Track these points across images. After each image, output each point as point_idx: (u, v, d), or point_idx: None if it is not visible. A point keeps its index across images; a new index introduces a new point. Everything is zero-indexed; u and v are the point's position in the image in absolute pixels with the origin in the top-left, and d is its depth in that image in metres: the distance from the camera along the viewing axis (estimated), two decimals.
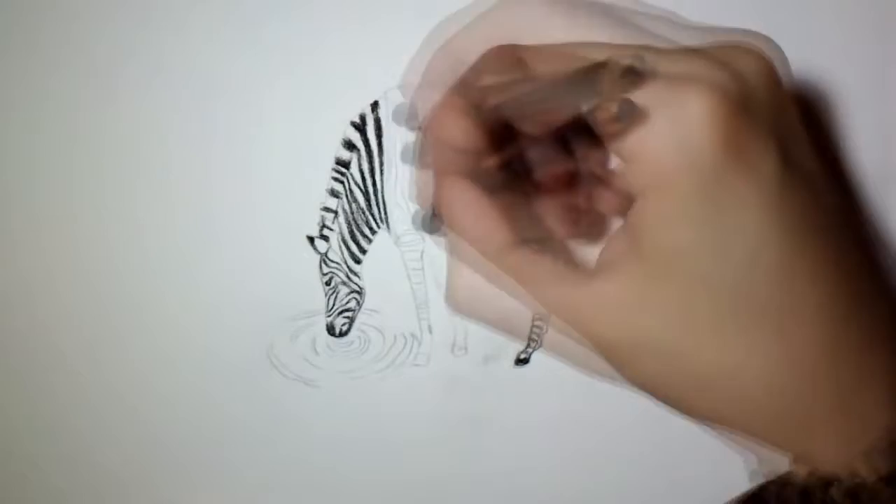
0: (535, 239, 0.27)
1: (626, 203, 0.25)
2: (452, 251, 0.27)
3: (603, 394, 0.37)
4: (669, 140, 0.22)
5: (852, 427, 0.25)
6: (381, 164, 0.37)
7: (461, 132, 0.25)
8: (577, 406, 0.37)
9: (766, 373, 0.24)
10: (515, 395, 0.37)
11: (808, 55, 0.35)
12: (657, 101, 0.22)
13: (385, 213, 0.37)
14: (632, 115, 0.22)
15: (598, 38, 0.24)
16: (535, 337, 0.37)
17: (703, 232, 0.23)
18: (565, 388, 0.37)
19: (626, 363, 0.25)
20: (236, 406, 0.37)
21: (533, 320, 0.37)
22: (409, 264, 0.37)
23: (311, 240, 0.37)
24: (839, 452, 0.25)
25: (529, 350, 0.37)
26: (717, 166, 0.22)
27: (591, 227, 0.28)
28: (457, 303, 0.28)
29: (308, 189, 0.37)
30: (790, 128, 0.25)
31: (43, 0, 0.36)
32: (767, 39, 0.26)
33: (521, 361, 0.37)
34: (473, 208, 0.26)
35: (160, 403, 0.37)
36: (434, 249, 0.38)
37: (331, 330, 0.37)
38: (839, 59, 0.35)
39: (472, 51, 0.27)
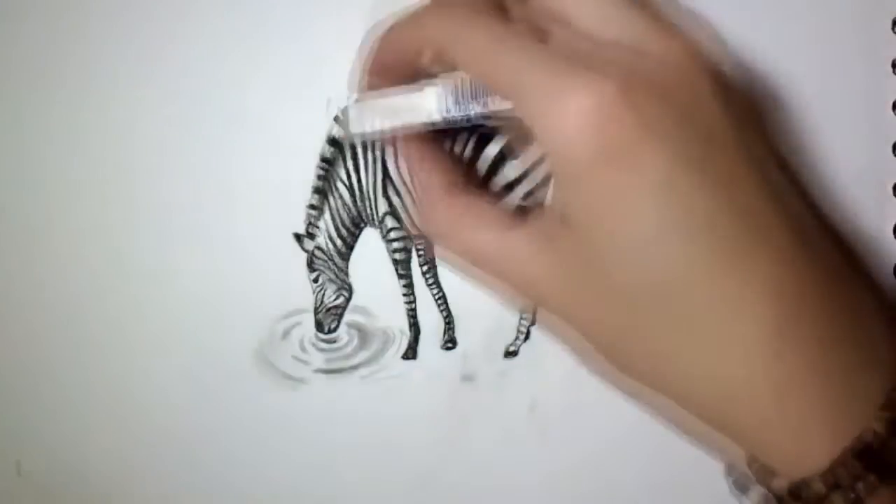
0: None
1: None
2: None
3: (596, 387, 0.37)
4: (552, 142, 0.24)
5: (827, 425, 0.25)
6: (366, 160, 0.37)
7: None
8: (568, 399, 0.37)
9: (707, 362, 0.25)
10: (505, 388, 0.37)
11: (787, 51, 0.35)
12: (549, 93, 0.24)
13: (371, 210, 0.38)
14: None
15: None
16: (522, 329, 0.37)
17: (604, 220, 0.24)
18: (555, 381, 0.37)
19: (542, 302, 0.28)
20: (224, 404, 0.37)
21: (520, 312, 0.37)
22: (396, 260, 0.37)
23: (297, 237, 0.37)
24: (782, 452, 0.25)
25: (518, 343, 0.37)
26: (595, 170, 0.23)
27: None
28: (432, 229, 0.31)
29: (295, 187, 0.37)
30: (705, 123, 0.25)
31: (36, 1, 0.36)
32: (707, 25, 0.27)
33: (510, 354, 0.37)
34: (425, 151, 0.30)
35: (147, 402, 0.37)
36: (421, 246, 0.38)
37: (319, 327, 0.37)
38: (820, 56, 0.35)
39: (394, 54, 0.30)
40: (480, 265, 0.28)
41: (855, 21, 0.35)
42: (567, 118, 0.23)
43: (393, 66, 0.30)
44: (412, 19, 0.29)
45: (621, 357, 0.27)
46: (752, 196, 0.24)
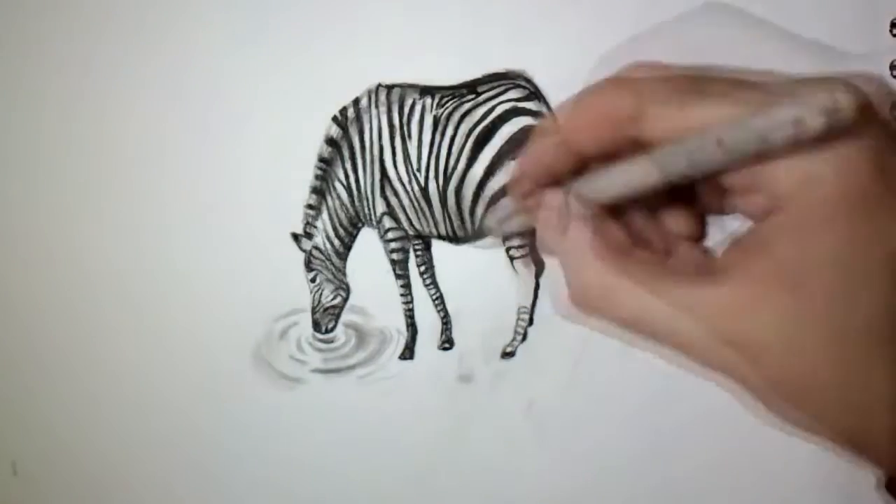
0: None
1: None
2: (567, 253, 0.27)
3: (590, 386, 0.37)
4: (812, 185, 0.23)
5: None
6: (364, 160, 0.37)
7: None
8: (564, 400, 0.37)
9: (871, 393, 0.24)
10: (502, 389, 0.37)
11: None
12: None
13: (369, 210, 0.38)
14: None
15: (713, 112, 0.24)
16: (520, 330, 0.37)
17: (846, 268, 0.23)
18: (552, 381, 0.37)
19: (745, 358, 0.25)
20: (222, 403, 0.37)
21: (518, 312, 0.37)
22: (393, 260, 0.37)
23: (295, 237, 0.37)
24: None
25: (515, 343, 0.37)
26: (869, 196, 0.23)
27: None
28: (586, 300, 0.27)
29: (293, 187, 0.37)
30: None
31: (35, 1, 0.36)
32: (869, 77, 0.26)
33: (508, 355, 0.37)
34: (581, 214, 0.26)
35: (143, 402, 0.37)
36: (419, 246, 0.38)
37: (316, 327, 0.37)
38: None
39: (583, 132, 0.27)
40: (650, 327, 0.26)
41: (854, 24, 0.35)
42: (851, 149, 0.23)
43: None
44: (599, 99, 0.26)
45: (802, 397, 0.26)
46: None
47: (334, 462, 0.37)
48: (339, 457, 0.37)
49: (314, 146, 0.37)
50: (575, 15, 0.36)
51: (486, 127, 0.37)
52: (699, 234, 0.29)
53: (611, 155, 0.26)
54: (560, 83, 0.36)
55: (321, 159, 0.37)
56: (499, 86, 0.36)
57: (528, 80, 0.36)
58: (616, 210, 0.27)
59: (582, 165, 0.27)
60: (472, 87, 0.36)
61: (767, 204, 0.24)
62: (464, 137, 0.37)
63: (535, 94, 0.36)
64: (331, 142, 0.37)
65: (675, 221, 0.28)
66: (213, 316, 0.37)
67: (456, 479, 0.37)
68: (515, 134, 0.36)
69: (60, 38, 0.36)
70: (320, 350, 0.38)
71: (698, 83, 0.25)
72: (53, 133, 0.37)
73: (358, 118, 0.37)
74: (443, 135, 0.37)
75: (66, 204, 0.37)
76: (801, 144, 0.22)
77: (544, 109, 0.36)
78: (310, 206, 0.37)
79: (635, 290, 0.25)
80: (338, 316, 0.38)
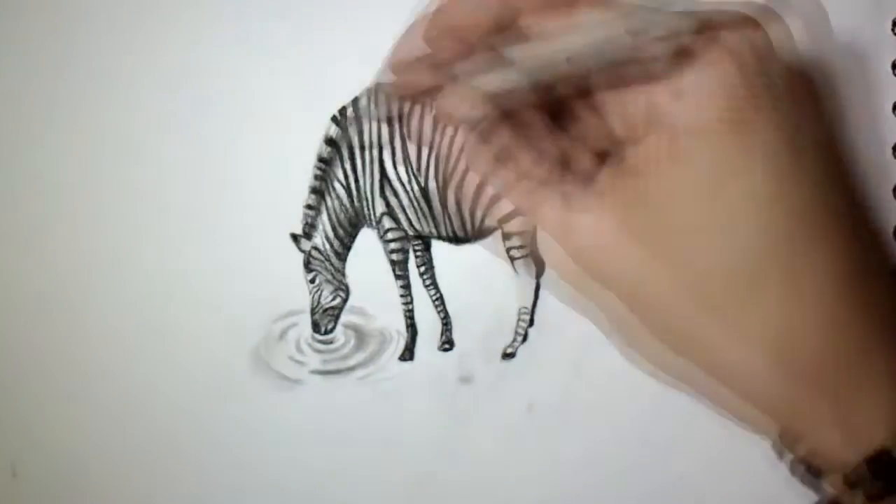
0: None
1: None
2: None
3: (593, 387, 0.37)
4: (718, 89, 0.24)
5: (848, 432, 0.25)
6: (363, 160, 0.37)
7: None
8: (565, 401, 0.37)
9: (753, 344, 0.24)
10: (502, 390, 0.37)
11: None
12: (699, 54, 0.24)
13: (368, 210, 0.37)
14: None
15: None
16: (520, 331, 0.37)
17: (702, 202, 0.24)
18: (553, 383, 0.37)
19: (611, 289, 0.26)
20: (221, 404, 0.37)
21: (518, 313, 0.37)
22: (393, 261, 0.37)
23: (294, 238, 0.37)
24: (835, 450, 0.25)
25: (516, 344, 0.37)
26: (717, 139, 0.23)
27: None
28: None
29: (292, 187, 0.37)
30: (790, 99, 0.26)
31: (31, 3, 0.36)
32: (768, 9, 0.27)
33: (508, 356, 0.37)
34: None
35: (142, 403, 0.37)
36: (419, 247, 0.38)
37: (316, 328, 0.37)
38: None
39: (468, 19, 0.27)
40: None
41: (854, 23, 0.35)
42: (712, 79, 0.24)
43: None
44: None
45: (669, 329, 0.27)
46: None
47: (333, 463, 0.37)
48: (339, 458, 0.37)
49: (313, 146, 0.36)
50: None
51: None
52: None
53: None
54: None
55: (320, 159, 0.37)
56: None
57: None
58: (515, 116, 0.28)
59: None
60: None
61: (630, 131, 0.26)
62: (463, 137, 0.37)
63: None
64: (330, 142, 0.36)
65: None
66: (211, 317, 0.37)
67: (456, 480, 0.37)
68: None
69: (58, 39, 0.36)
70: (319, 351, 0.37)
71: None
72: (52, 133, 0.37)
73: (357, 118, 0.36)
74: (443, 135, 0.37)
75: (65, 205, 0.37)
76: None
77: None
78: (309, 207, 0.37)
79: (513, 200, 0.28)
80: (337, 317, 0.37)
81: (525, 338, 0.37)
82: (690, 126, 0.24)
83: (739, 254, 0.24)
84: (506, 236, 0.37)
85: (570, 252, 0.26)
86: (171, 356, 0.37)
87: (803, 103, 0.27)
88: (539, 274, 0.37)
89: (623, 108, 0.26)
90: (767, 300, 0.24)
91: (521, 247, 0.37)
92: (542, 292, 0.37)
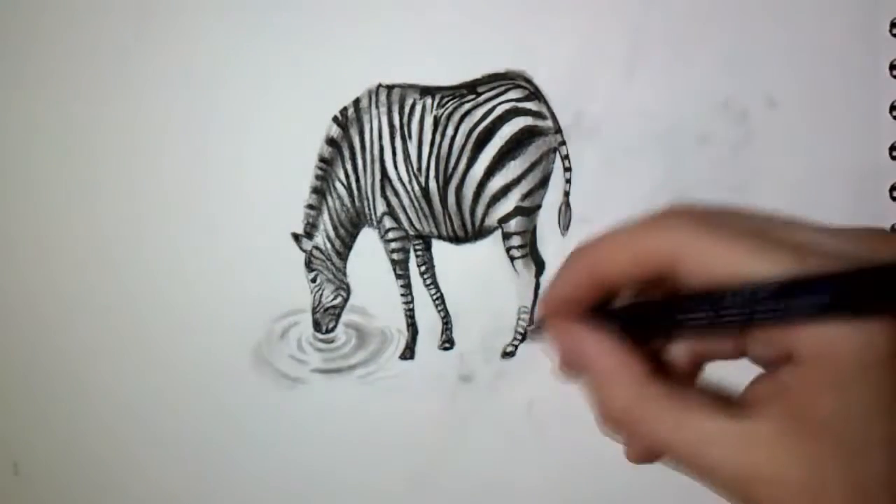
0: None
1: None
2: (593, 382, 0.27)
3: None
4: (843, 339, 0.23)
5: None
6: (364, 160, 0.37)
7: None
8: (565, 400, 0.37)
9: None
10: (503, 389, 0.37)
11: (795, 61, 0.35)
12: None
13: (369, 210, 0.38)
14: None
15: (756, 262, 0.24)
16: (520, 330, 0.37)
17: (871, 425, 0.24)
18: (553, 381, 0.37)
19: (766, 492, 0.26)
20: (222, 403, 0.37)
21: (518, 312, 0.37)
22: (394, 260, 0.38)
23: (296, 237, 0.37)
24: None
25: (515, 343, 0.37)
26: (888, 361, 0.23)
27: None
28: (615, 426, 0.27)
29: (293, 187, 0.37)
30: None
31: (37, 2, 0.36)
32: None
33: (508, 354, 0.37)
34: (606, 342, 0.25)
35: (144, 402, 0.37)
36: (419, 246, 0.38)
37: (317, 327, 0.37)
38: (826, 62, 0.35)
39: (613, 266, 0.26)
40: (695, 463, 0.26)
41: (854, 24, 0.35)
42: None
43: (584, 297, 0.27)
44: (634, 235, 0.26)
45: None
46: None
47: (334, 460, 0.37)
48: (339, 455, 0.37)
49: (314, 146, 0.37)
50: (574, 15, 0.36)
51: (487, 127, 0.37)
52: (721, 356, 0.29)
53: (637, 289, 0.26)
54: (559, 83, 0.36)
55: (322, 159, 0.37)
56: (499, 86, 0.36)
57: (528, 81, 0.36)
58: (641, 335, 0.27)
59: (605, 297, 0.26)
60: (472, 88, 0.37)
61: (784, 355, 0.25)
62: (464, 137, 0.37)
63: (534, 94, 0.36)
64: (331, 142, 0.37)
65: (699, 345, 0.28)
66: (213, 316, 0.37)
67: (456, 477, 0.37)
68: (515, 134, 0.36)
69: (61, 39, 0.36)
70: (321, 350, 0.38)
71: (747, 222, 0.25)
72: (56, 134, 0.37)
73: (358, 118, 0.37)
74: (443, 135, 0.37)
75: (67, 204, 0.37)
76: None
77: (544, 109, 0.36)
78: (310, 206, 0.37)
79: (662, 420, 0.25)
80: (338, 316, 0.38)
81: (525, 337, 0.37)
82: None
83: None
84: (506, 236, 0.37)
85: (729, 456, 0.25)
86: (172, 355, 0.37)
87: None
88: (539, 273, 0.37)
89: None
90: None
91: (521, 246, 0.37)
92: (541, 291, 0.37)
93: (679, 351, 0.28)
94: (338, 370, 0.37)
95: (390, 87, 0.37)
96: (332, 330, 0.38)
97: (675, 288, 0.25)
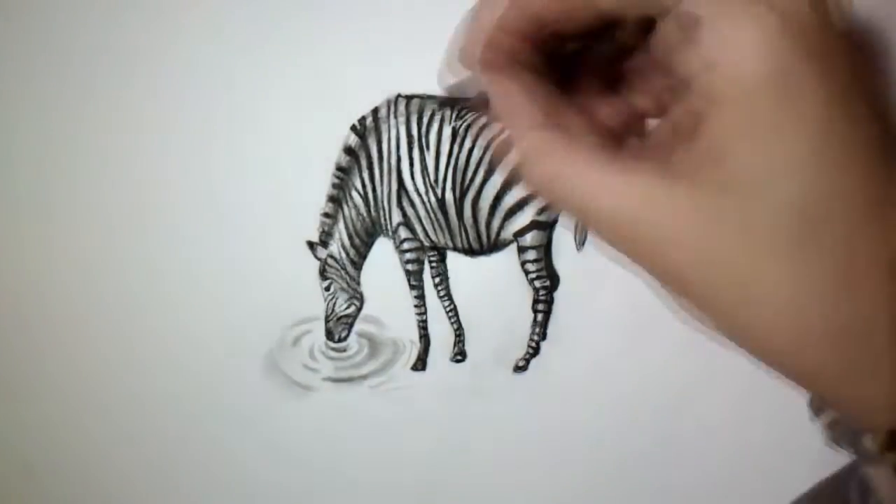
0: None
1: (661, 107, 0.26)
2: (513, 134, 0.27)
3: (600, 402, 0.37)
4: (751, 48, 0.22)
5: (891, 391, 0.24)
6: (381, 170, 0.37)
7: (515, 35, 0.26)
8: (574, 414, 0.37)
9: (819, 305, 0.24)
10: (513, 402, 0.37)
11: None
12: (728, 12, 0.23)
13: (385, 219, 0.37)
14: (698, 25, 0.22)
15: None
16: (532, 344, 0.37)
17: (776, 148, 0.23)
18: (563, 395, 0.37)
19: (677, 267, 0.25)
20: (234, 409, 0.37)
21: (532, 327, 0.37)
22: (408, 271, 0.37)
23: (311, 245, 0.37)
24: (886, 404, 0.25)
25: (527, 357, 0.37)
26: (795, 74, 0.22)
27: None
28: (534, 184, 0.27)
29: (309, 195, 0.37)
30: (844, 61, 0.25)
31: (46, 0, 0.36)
32: None
33: (520, 368, 0.37)
34: (508, 83, 0.26)
35: (156, 406, 0.37)
36: (434, 258, 0.38)
37: (329, 335, 0.37)
38: None
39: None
40: (590, 213, 0.26)
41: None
42: (747, 34, 0.22)
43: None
44: None
45: (710, 294, 0.26)
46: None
47: (344, 470, 0.38)
48: (349, 465, 0.38)
49: (332, 155, 0.37)
50: None
51: (506, 140, 0.36)
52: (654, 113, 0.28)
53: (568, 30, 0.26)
54: None
55: (339, 168, 0.37)
56: None
57: None
58: (570, 86, 0.27)
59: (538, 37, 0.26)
60: None
61: (699, 104, 0.24)
62: (482, 149, 0.37)
63: None
64: (349, 151, 0.37)
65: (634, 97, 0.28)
66: (226, 322, 0.37)
67: (465, 490, 0.38)
68: None
69: (62, 40, 0.36)
70: (333, 358, 0.38)
71: None
72: (60, 135, 0.37)
73: (376, 128, 0.36)
74: (461, 146, 0.37)
75: (79, 209, 0.37)
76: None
77: None
78: (326, 215, 0.37)
79: (581, 180, 0.25)
80: (351, 325, 0.38)
81: (537, 351, 0.37)
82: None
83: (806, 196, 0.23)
84: (521, 250, 0.37)
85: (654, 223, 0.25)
86: (184, 361, 0.37)
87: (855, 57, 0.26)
88: (554, 288, 0.37)
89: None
90: (829, 243, 0.24)
91: (536, 260, 0.37)
92: (555, 307, 0.37)
93: (611, 107, 0.28)
94: (349, 379, 0.37)
95: (409, 98, 0.36)
96: (345, 339, 0.38)
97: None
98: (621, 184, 0.24)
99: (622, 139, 0.28)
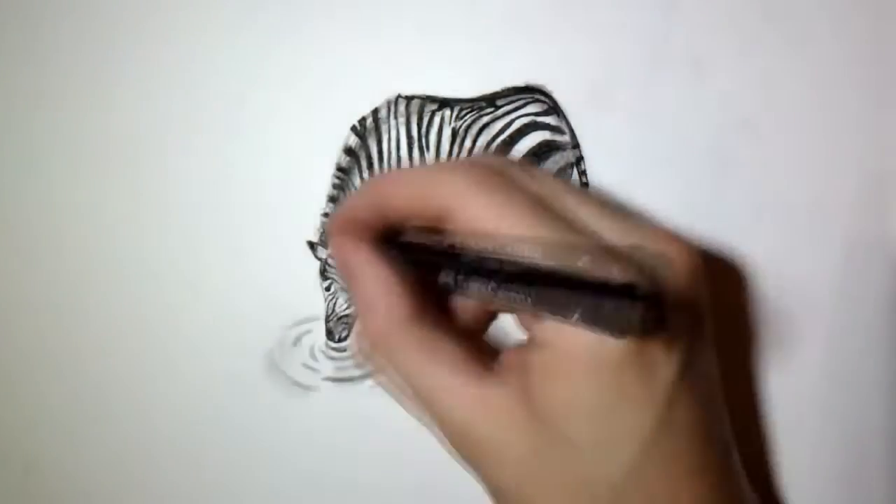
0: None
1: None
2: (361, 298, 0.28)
3: None
4: (581, 336, 0.24)
5: None
6: (381, 170, 0.37)
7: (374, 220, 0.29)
8: None
9: None
10: None
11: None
12: None
13: None
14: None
15: (521, 227, 0.25)
16: None
17: (593, 424, 0.24)
18: None
19: (486, 464, 0.28)
20: (235, 411, 0.37)
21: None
22: None
23: (311, 245, 0.37)
24: None
25: None
26: (617, 367, 0.24)
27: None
28: (372, 348, 0.29)
29: (310, 195, 0.37)
30: (700, 330, 0.27)
31: (41, 0, 0.36)
32: (689, 241, 0.27)
33: None
34: (377, 268, 0.27)
35: (155, 407, 0.37)
36: None
37: (330, 335, 0.38)
38: (837, 73, 0.35)
39: (397, 200, 0.29)
40: (429, 407, 0.28)
41: (864, 20, 0.35)
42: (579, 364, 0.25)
43: (372, 222, 0.29)
44: (420, 177, 0.28)
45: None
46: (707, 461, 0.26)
47: (344, 471, 0.37)
48: (350, 465, 0.38)
49: (332, 155, 0.37)
50: (595, 30, 0.36)
51: (505, 140, 0.37)
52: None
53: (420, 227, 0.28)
54: (579, 98, 0.36)
55: (339, 168, 0.37)
56: (518, 100, 0.36)
57: (548, 95, 0.36)
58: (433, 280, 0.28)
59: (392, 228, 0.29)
60: (491, 101, 0.37)
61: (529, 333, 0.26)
62: (482, 150, 0.37)
63: (553, 108, 0.36)
64: (349, 151, 0.37)
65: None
66: (226, 322, 0.37)
67: (466, 491, 0.38)
68: (533, 148, 0.37)
69: (64, 40, 0.36)
70: (333, 358, 0.38)
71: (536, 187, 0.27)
72: (61, 136, 0.37)
73: (376, 128, 0.37)
74: (461, 147, 0.37)
75: (78, 209, 0.37)
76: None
77: (563, 124, 0.36)
78: (326, 216, 0.37)
79: (407, 361, 0.27)
80: (352, 325, 0.38)
81: None
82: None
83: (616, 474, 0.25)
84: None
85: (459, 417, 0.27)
86: (183, 362, 0.37)
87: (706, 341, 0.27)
88: None
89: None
90: None
91: None
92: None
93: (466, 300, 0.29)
94: (350, 379, 0.37)
95: (409, 98, 0.37)
96: (345, 339, 0.38)
97: (450, 234, 0.27)
98: (478, 398, 0.26)
99: (476, 335, 0.31)
